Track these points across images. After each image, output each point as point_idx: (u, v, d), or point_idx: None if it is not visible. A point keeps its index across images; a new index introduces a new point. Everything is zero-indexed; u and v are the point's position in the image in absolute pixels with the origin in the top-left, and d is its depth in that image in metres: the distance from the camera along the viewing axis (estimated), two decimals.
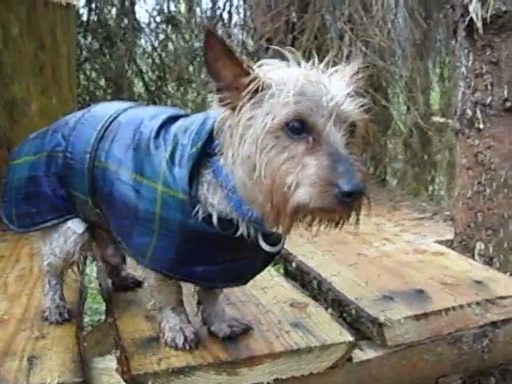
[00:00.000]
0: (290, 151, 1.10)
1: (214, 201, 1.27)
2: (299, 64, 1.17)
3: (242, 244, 1.27)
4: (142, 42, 4.18)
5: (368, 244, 2.23)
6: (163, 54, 4.18)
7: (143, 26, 4.06)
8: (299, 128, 1.10)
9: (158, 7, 4.01)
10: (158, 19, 4.09)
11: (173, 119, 1.41)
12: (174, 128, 1.37)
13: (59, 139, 1.55)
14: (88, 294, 2.21)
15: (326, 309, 1.73)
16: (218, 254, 1.34)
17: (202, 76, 4.05)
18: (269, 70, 1.16)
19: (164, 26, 4.11)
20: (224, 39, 1.15)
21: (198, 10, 4.16)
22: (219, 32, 4.21)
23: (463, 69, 2.01)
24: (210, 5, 4.06)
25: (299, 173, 1.07)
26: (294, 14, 3.36)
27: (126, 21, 3.92)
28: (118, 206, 1.40)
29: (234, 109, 1.16)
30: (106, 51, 3.92)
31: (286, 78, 1.13)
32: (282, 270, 2.22)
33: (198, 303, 1.56)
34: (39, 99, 2.66)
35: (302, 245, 2.27)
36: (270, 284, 1.90)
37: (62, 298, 1.71)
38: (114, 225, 1.45)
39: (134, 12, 3.92)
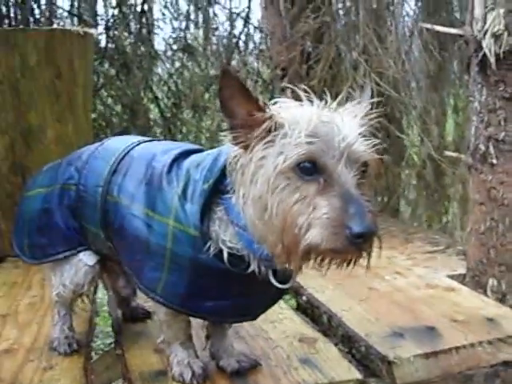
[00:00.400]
0: (301, 192, 1.10)
1: (225, 237, 1.27)
2: (312, 103, 1.18)
3: (253, 280, 1.27)
4: (159, 69, 4.24)
5: (379, 278, 2.21)
6: (179, 82, 4.22)
7: (159, 53, 4.12)
8: (311, 169, 1.10)
9: (174, 35, 4.07)
10: (175, 47, 4.15)
11: (185, 154, 1.42)
12: (187, 163, 1.38)
13: (72, 172, 1.57)
14: (100, 316, 2.21)
15: (336, 344, 1.71)
16: (229, 289, 1.34)
17: (217, 103, 4.06)
18: (282, 109, 1.17)
19: (180, 53, 4.16)
20: (239, 77, 1.17)
21: (213, 38, 4.22)
22: (234, 60, 4.26)
23: (476, 103, 2.01)
24: (226, 33, 4.12)
25: (311, 214, 1.08)
26: (309, 44, 3.38)
27: (142, 48, 3.97)
28: (129, 240, 1.40)
29: (246, 147, 1.17)
30: (123, 78, 3.97)
31: (298, 117, 1.14)
32: (292, 303, 2.20)
33: (207, 338, 1.55)
34: (55, 127, 2.69)
35: (313, 278, 2.25)
36: (280, 318, 1.89)
37: (70, 329, 1.71)
38: (126, 258, 1.46)
39: (150, 39, 3.98)
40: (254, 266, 1.26)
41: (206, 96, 4.32)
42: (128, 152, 1.51)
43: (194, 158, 1.39)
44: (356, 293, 2.05)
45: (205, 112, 4.36)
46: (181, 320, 1.44)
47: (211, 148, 1.41)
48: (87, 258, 1.57)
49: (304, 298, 2.10)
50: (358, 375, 1.50)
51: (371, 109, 1.23)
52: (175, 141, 3.55)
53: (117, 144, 1.57)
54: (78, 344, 1.69)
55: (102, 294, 2.42)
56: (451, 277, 2.20)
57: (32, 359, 1.64)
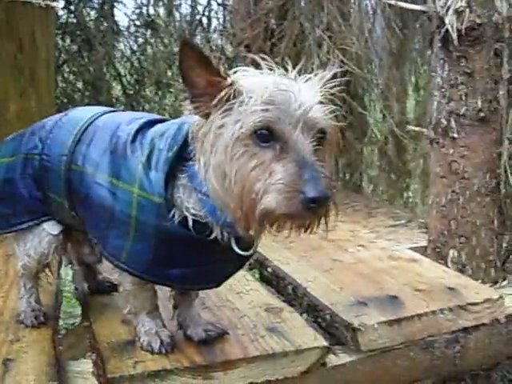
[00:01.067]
0: (258, 159, 1.12)
1: (189, 204, 1.28)
2: (272, 71, 1.19)
3: (216, 247, 1.29)
4: (121, 45, 4.19)
5: (343, 250, 2.25)
6: (142, 58, 4.18)
7: (122, 29, 4.06)
8: (267, 136, 1.13)
9: (137, 11, 4.02)
10: (138, 23, 4.10)
11: (150, 124, 1.43)
12: (151, 133, 1.38)
13: (36, 142, 1.55)
14: (62, 297, 2.20)
15: (301, 314, 1.75)
16: (193, 256, 1.35)
17: (180, 81, 4.05)
18: (241, 78, 1.18)
19: (143, 29, 4.12)
20: (200, 48, 1.18)
21: (177, 14, 4.18)
22: (198, 37, 4.23)
23: (438, 79, 2.05)
24: (189, 9, 4.09)
25: (267, 179, 1.10)
26: (272, 21, 3.39)
27: (105, 24, 3.91)
28: (94, 209, 1.40)
29: (207, 116, 1.19)
30: (85, 54, 3.91)
31: (256, 85, 1.15)
32: (257, 276, 2.22)
33: (174, 307, 1.56)
34: (17, 102, 2.65)
35: (277, 250, 2.28)
36: (246, 289, 1.91)
37: (37, 301, 1.70)
38: (91, 227, 1.46)
39: (113, 15, 3.92)
40: (216, 233, 1.28)
41: (169, 73, 4.28)
42: (92, 122, 1.50)
43: (158, 127, 1.40)
44: (320, 264, 2.08)
45: (168, 89, 4.33)
46: (147, 289, 1.45)
47: None
48: (51, 228, 1.56)
49: (269, 269, 2.13)
50: (323, 342, 1.54)
51: (333, 79, 1.24)
52: None
53: (81, 114, 1.56)
54: (44, 317, 1.67)
55: (64, 274, 2.40)
56: (413, 249, 2.25)
57: None
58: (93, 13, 3.94)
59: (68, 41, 3.93)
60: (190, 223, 1.28)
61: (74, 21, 3.85)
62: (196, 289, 1.52)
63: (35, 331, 1.63)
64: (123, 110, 1.68)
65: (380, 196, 3.60)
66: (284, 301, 1.84)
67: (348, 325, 1.59)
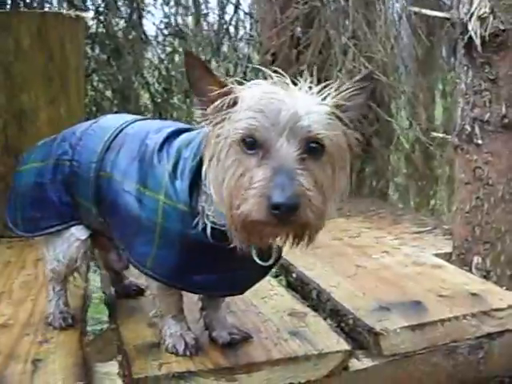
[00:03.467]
0: (243, 166, 1.14)
1: (209, 212, 1.31)
2: (277, 82, 1.19)
3: (238, 255, 1.29)
4: (150, 54, 4.25)
5: (367, 256, 2.26)
6: (170, 67, 4.24)
7: (150, 38, 4.13)
8: (253, 143, 1.14)
9: (165, 20, 4.09)
10: (166, 32, 4.16)
11: (177, 133, 1.47)
12: (178, 142, 1.42)
13: (66, 148, 1.60)
14: (91, 302, 2.24)
15: (325, 319, 1.76)
16: (216, 264, 1.38)
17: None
18: (243, 87, 1.20)
19: (171, 38, 4.18)
20: (202, 59, 1.23)
21: (204, 23, 4.24)
22: (225, 46, 4.27)
23: (463, 85, 2.05)
24: (216, 18, 4.15)
25: (247, 187, 1.12)
26: (298, 29, 3.41)
27: (133, 33, 3.98)
28: (121, 215, 1.44)
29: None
30: (114, 63, 3.98)
31: (252, 94, 1.17)
32: (283, 282, 2.24)
33: (202, 309, 1.59)
34: (47, 109, 2.71)
35: (302, 257, 2.29)
36: (271, 294, 1.93)
37: (65, 304, 1.75)
38: (117, 233, 1.50)
39: (141, 24, 3.99)
40: (235, 242, 1.26)
41: None
42: (122, 130, 1.54)
43: (184, 136, 1.44)
44: (344, 270, 2.09)
45: None
46: (172, 294, 1.48)
47: None
48: (79, 233, 1.60)
49: (294, 275, 2.15)
50: (346, 346, 1.55)
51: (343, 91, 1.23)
52: None
53: (111, 122, 1.60)
54: (72, 319, 1.72)
55: (92, 280, 2.44)
56: (438, 255, 2.25)
57: (28, 333, 1.67)
58: (121, 22, 4.02)
59: (97, 50, 4.01)
60: (209, 231, 1.31)
61: (104, 30, 3.93)
62: (220, 295, 1.55)
63: (63, 333, 1.67)
64: (153, 119, 1.72)
65: (406, 203, 3.59)
66: (308, 306, 1.86)
67: (370, 329, 1.60)
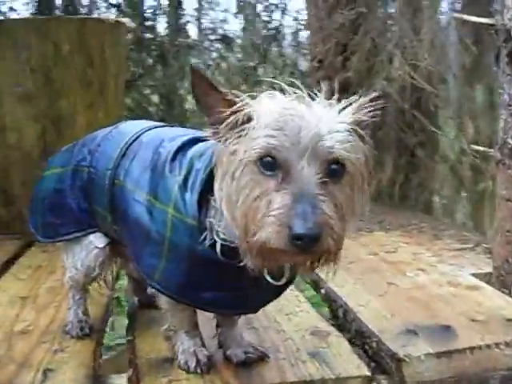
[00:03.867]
0: (261, 188, 1.08)
1: (219, 228, 1.25)
2: (295, 96, 1.13)
3: (249, 273, 1.22)
4: (195, 59, 4.24)
5: (401, 273, 2.16)
6: (216, 73, 4.22)
7: (197, 44, 4.12)
8: (272, 164, 1.07)
9: (211, 25, 4.07)
10: (212, 37, 4.15)
11: (193, 142, 1.41)
12: (191, 152, 1.37)
13: (85, 154, 1.58)
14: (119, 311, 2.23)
15: (349, 340, 1.68)
16: (225, 281, 1.32)
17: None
18: (255, 102, 1.14)
19: (218, 44, 4.16)
20: (208, 76, 1.17)
21: (251, 29, 4.20)
22: (272, 52, 4.23)
23: (506, 96, 1.93)
24: (263, 24, 4.10)
25: (265, 211, 1.05)
26: (345, 36, 3.33)
27: (179, 39, 3.98)
28: (131, 225, 1.41)
29: (225, 141, 1.16)
30: (160, 68, 3.99)
31: (269, 110, 1.10)
32: (314, 298, 2.16)
33: (217, 326, 1.54)
34: (85, 114, 2.73)
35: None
36: (296, 311, 1.86)
37: (84, 313, 1.72)
38: (128, 243, 1.47)
39: (187, 30, 3.98)
40: (245, 260, 1.19)
41: (243, 87, 4.30)
42: (138, 137, 1.51)
43: (199, 146, 1.37)
44: (375, 288, 2.00)
45: None
46: (183, 309, 1.43)
47: None
48: (97, 241, 1.57)
49: (323, 291, 2.07)
50: (366, 372, 1.46)
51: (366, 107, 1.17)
52: None
53: (129, 128, 1.57)
54: (90, 328, 1.70)
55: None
56: (476, 275, 2.12)
57: (45, 341, 1.66)
58: (167, 28, 4.03)
59: (144, 55, 4.03)
60: (218, 248, 1.25)
61: (150, 36, 3.94)
62: (231, 314, 1.49)
63: (80, 342, 1.65)
64: (172, 126, 1.68)
65: (451, 217, 3.45)
66: (333, 325, 1.78)
67: (393, 355, 1.51)
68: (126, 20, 2.88)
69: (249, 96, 1.15)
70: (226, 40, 4.08)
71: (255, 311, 1.46)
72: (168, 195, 1.33)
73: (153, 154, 1.42)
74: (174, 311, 1.45)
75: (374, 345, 1.60)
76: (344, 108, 1.15)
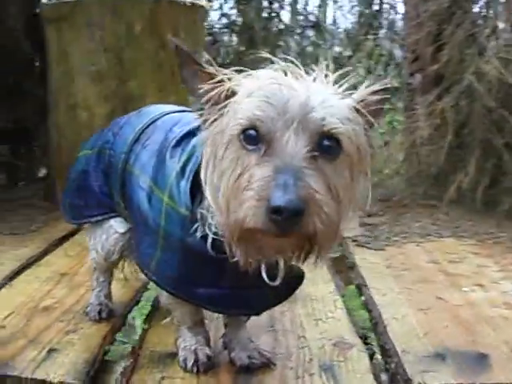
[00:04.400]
0: (242, 164, 0.97)
1: (212, 221, 1.16)
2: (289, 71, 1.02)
3: (246, 271, 1.11)
4: (286, 45, 4.12)
5: (456, 287, 1.96)
6: (306, 60, 4.08)
7: (288, 29, 4.01)
8: (254, 137, 0.97)
9: (304, 12, 3.93)
10: (304, 24, 4.02)
11: None
12: (197, 138, 1.28)
13: (109, 136, 1.54)
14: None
15: (372, 355, 1.53)
16: (221, 277, 1.22)
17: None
18: (240, 76, 1.04)
19: (310, 31, 4.03)
20: (192, 51, 1.08)
21: (346, 16, 4.04)
22: (367, 41, 4.03)
23: None
24: (357, 12, 3.92)
25: (245, 188, 0.94)
26: (436, 26, 3.10)
27: (271, 24, 3.89)
28: (135, 213, 1.36)
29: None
30: (249, 53, 3.92)
31: (255, 82, 1.01)
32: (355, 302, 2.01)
33: (225, 326, 1.46)
34: (156, 97, 2.72)
35: (383, 278, 2.07)
36: (327, 316, 1.74)
37: (106, 296, 1.71)
38: (133, 231, 1.42)
39: (279, 15, 3.88)
40: (236, 255, 1.08)
41: None
42: (155, 121, 1.45)
43: None
44: (420, 301, 1.83)
45: None
46: (183, 304, 1.35)
47: None
48: (118, 225, 1.53)
49: (363, 297, 1.92)
50: None
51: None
52: None
53: (149, 111, 1.52)
54: (109, 313, 1.68)
55: None
56: None
57: (62, 320, 1.67)
58: (260, 13, 3.94)
59: (234, 39, 3.98)
60: (209, 242, 1.16)
61: (241, 20, 3.88)
62: (230, 313, 1.40)
63: (95, 326, 1.64)
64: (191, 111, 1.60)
65: None
66: (361, 337, 1.64)
67: (407, 380, 1.35)
68: (203, 2, 2.83)
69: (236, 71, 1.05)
70: (318, 27, 3.94)
71: (257, 313, 1.36)
72: (165, 182, 1.26)
73: (162, 139, 1.35)
74: (174, 305, 1.38)
75: (393, 365, 1.45)
76: (341, 82, 1.04)
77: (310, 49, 4.02)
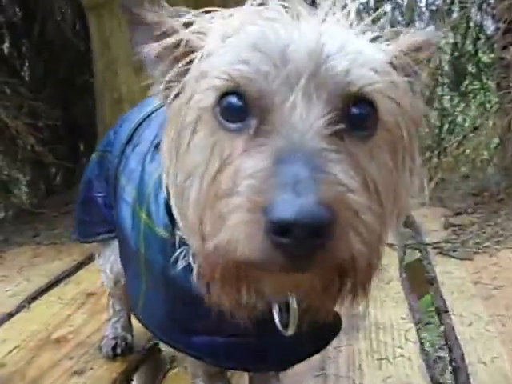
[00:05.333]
0: (221, 153, 0.61)
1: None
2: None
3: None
4: None
5: None
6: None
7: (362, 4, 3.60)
8: (239, 108, 0.61)
9: None
10: None
11: None
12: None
13: (111, 136, 1.24)
14: None
15: None
16: (221, 321, 0.77)
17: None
18: (206, 21, 0.68)
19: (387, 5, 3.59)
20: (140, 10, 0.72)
21: None
22: (455, 14, 3.56)
23: None
24: None
25: (229, 193, 0.57)
26: None
27: None
28: (119, 232, 1.05)
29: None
30: None
31: (229, 23, 0.65)
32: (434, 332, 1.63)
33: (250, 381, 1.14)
34: None
35: (470, 299, 1.66)
36: (395, 355, 1.38)
37: (124, 328, 1.43)
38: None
39: None
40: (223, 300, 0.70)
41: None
42: (149, 115, 1.12)
43: None
44: None
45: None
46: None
47: None
48: None
49: (442, 328, 1.53)
50: None
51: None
52: None
53: (149, 102, 1.17)
54: (126, 348, 1.40)
55: None
56: None
57: (72, 357, 1.42)
58: None
59: None
60: (194, 274, 0.75)
61: None
62: (238, 369, 1.05)
63: (107, 365, 1.38)
64: None
65: None
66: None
67: None
68: None
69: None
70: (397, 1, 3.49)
71: (279, 368, 1.01)
72: (143, 194, 0.93)
73: (152, 138, 1.02)
74: (178, 354, 1.05)
75: None
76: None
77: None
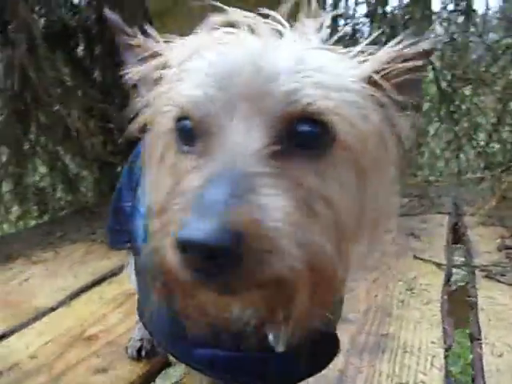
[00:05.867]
0: (177, 174, 0.66)
1: None
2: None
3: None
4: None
5: None
6: (449, 48, 3.52)
7: (433, 15, 3.50)
8: (188, 131, 0.65)
9: None
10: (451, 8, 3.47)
11: None
12: None
13: (139, 147, 1.29)
14: None
15: None
16: (220, 335, 0.84)
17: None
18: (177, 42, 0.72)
19: (457, 15, 3.48)
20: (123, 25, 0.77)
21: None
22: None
23: None
24: None
25: (170, 207, 0.61)
26: None
27: (416, 9, 3.41)
28: (132, 242, 1.09)
29: None
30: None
31: (186, 46, 0.69)
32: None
33: None
34: None
35: (506, 328, 1.60)
36: (417, 380, 1.35)
37: None
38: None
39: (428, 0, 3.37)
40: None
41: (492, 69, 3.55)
42: None
43: None
44: None
45: (489, 88, 3.59)
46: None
47: None
48: None
49: (471, 356, 1.49)
50: None
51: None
52: None
53: None
54: (150, 352, 1.44)
55: None
56: None
57: (99, 355, 1.46)
58: None
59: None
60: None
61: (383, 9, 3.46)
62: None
63: (131, 366, 1.43)
64: None
65: None
66: None
67: None
68: None
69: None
70: (469, 12, 3.38)
71: None
72: (143, 202, 0.98)
73: None
74: (185, 366, 1.09)
75: None
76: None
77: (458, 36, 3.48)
